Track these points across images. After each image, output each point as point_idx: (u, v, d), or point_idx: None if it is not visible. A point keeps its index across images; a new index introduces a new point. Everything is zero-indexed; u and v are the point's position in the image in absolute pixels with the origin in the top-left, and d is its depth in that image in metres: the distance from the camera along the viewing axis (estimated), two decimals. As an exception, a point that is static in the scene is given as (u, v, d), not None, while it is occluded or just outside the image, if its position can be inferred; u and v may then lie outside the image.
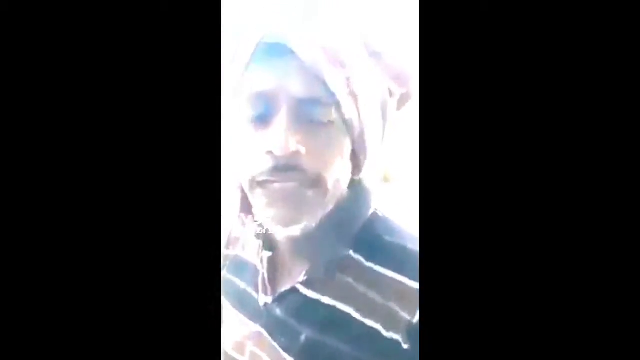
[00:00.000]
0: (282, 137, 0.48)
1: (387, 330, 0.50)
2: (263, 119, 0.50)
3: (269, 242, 0.60)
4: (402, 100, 0.58)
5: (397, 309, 0.50)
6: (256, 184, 0.51)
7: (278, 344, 0.56)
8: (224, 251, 0.71)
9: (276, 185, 0.50)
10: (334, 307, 0.53)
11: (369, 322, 0.51)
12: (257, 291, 0.61)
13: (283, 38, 0.49)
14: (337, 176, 0.53)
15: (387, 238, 0.56)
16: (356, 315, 0.52)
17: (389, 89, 0.55)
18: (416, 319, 0.49)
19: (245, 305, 0.62)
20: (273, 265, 0.59)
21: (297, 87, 0.49)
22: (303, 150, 0.49)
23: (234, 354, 0.62)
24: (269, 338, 0.57)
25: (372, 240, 0.56)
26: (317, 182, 0.51)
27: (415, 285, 0.50)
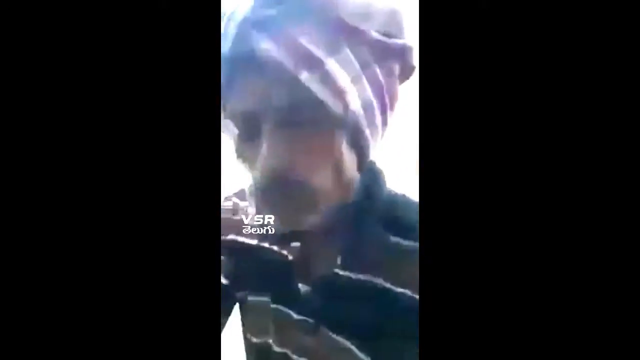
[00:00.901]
0: (266, 152, 0.49)
1: (412, 292, 0.56)
2: (250, 137, 0.50)
3: (293, 235, 0.61)
4: (404, 73, 0.54)
5: (413, 270, 0.55)
6: (254, 191, 0.52)
7: (329, 329, 0.59)
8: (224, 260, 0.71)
9: (269, 195, 0.51)
10: (371, 283, 0.58)
11: (397, 289, 0.57)
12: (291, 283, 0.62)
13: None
14: (335, 169, 0.52)
15: (404, 212, 0.60)
16: (386, 284, 0.57)
17: (379, 68, 0.51)
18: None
19: (286, 298, 0.63)
20: (304, 255, 0.62)
21: (277, 98, 0.47)
22: (291, 156, 0.49)
23: (280, 349, 0.63)
24: (319, 326, 0.60)
25: (391, 216, 0.60)
26: (309, 184, 0.51)
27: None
